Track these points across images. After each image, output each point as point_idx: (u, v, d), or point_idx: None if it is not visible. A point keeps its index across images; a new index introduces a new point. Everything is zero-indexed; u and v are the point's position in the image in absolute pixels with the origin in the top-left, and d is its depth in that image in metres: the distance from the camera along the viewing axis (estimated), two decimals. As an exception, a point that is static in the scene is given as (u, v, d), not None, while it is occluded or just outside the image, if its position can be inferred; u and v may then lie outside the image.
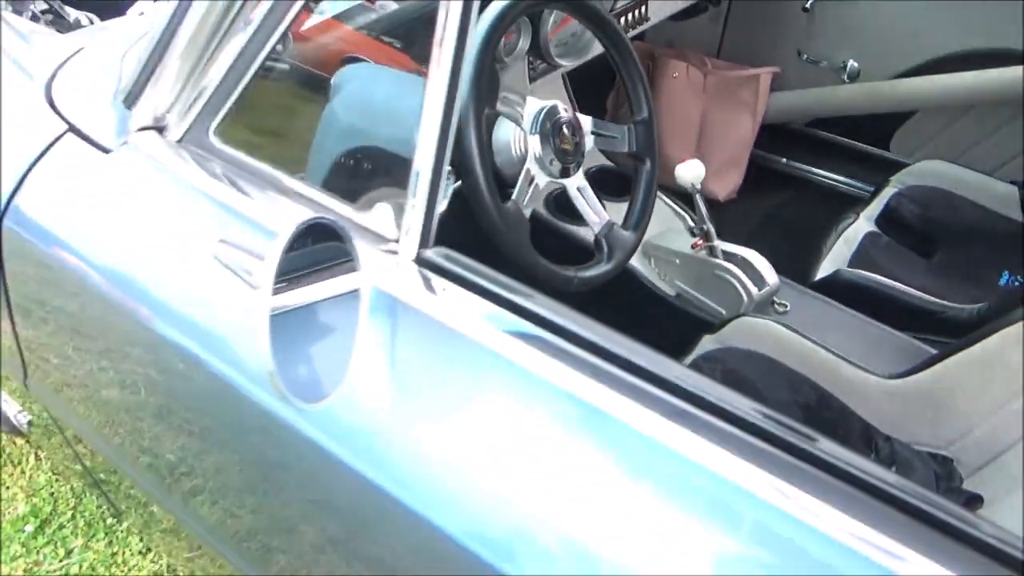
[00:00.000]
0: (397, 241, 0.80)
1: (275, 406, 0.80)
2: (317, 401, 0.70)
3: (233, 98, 0.90)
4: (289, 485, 0.87)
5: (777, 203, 2.34)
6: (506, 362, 0.71)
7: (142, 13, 1.44)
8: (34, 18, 1.62)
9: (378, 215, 0.81)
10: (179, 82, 0.93)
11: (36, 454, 2.02)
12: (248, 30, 0.85)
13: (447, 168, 0.75)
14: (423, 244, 0.78)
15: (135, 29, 1.25)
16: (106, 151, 1.01)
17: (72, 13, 1.75)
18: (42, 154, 1.06)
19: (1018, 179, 2.02)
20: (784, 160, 2.42)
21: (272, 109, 0.94)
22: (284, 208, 0.86)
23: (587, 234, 1.61)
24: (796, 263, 1.76)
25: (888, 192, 2.00)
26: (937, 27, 2.06)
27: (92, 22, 1.74)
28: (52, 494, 1.93)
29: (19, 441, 2.05)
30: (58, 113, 1.09)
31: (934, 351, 1.58)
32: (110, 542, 1.83)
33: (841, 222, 1.96)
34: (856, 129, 2.30)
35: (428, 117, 0.73)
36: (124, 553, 1.81)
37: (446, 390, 0.73)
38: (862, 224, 1.94)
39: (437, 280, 0.77)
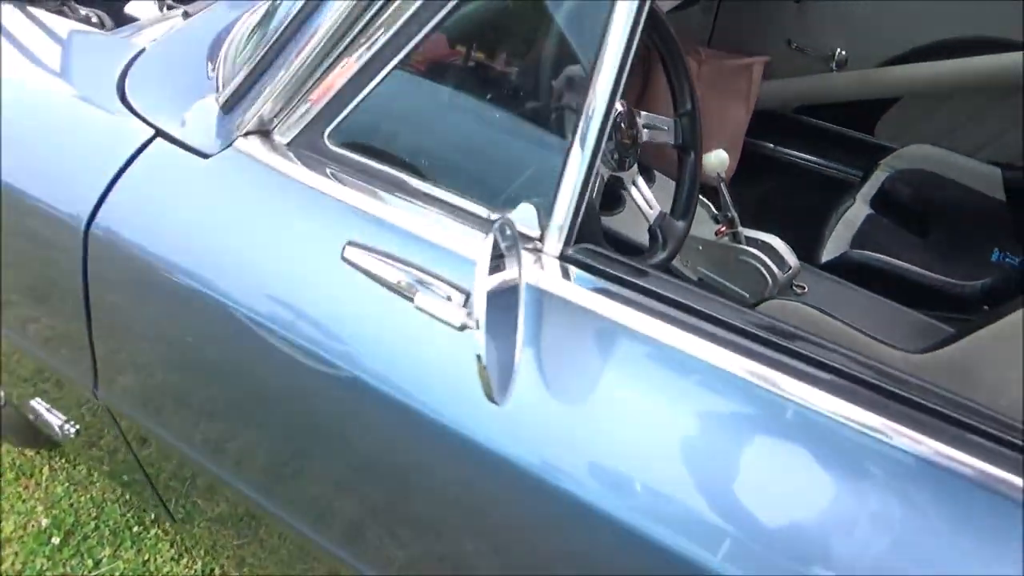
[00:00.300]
0: (540, 239, 0.84)
1: (427, 406, 0.83)
2: (504, 399, 0.73)
3: (354, 104, 0.92)
4: (441, 484, 0.89)
5: (769, 188, 2.44)
6: (667, 351, 0.77)
7: (186, 13, 1.43)
8: (60, 13, 1.58)
9: (521, 215, 0.85)
10: (292, 87, 0.94)
11: (50, 465, 1.98)
12: (381, 39, 0.88)
13: (597, 168, 0.80)
14: (567, 241, 0.82)
15: (205, 30, 1.25)
16: (204, 156, 1.02)
17: (82, 10, 1.72)
18: (130, 160, 1.06)
19: (998, 160, 2.17)
20: (772, 146, 2.52)
21: (389, 111, 0.96)
22: (420, 211, 0.89)
23: (613, 224, 1.67)
24: (795, 246, 1.85)
25: (880, 175, 2.12)
26: (922, 17, 2.18)
27: (101, 20, 1.71)
28: (72, 504, 1.90)
29: (29, 453, 2.01)
30: (141, 118, 1.09)
31: (944, 326, 1.70)
32: (139, 549, 1.82)
33: (839, 205, 2.07)
34: (841, 115, 2.42)
35: (586, 121, 0.77)
36: (155, 560, 1.80)
37: (606, 385, 0.78)
38: (861, 207, 2.05)
39: (583, 275, 0.82)
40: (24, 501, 1.90)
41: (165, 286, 1.03)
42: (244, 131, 1.00)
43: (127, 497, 1.93)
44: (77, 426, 1.44)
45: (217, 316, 0.99)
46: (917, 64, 2.22)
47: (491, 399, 0.70)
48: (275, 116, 0.98)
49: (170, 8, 1.69)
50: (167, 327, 1.08)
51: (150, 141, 1.07)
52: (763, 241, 1.73)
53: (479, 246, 0.68)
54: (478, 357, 0.67)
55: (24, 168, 1.13)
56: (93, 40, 1.32)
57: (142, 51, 1.24)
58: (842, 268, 1.86)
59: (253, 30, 1.08)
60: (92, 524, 1.87)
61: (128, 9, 1.76)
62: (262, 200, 0.97)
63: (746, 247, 1.72)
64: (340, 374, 0.91)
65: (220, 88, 1.04)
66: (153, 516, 1.89)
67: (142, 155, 1.06)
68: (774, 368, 0.74)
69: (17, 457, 2.00)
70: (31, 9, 1.45)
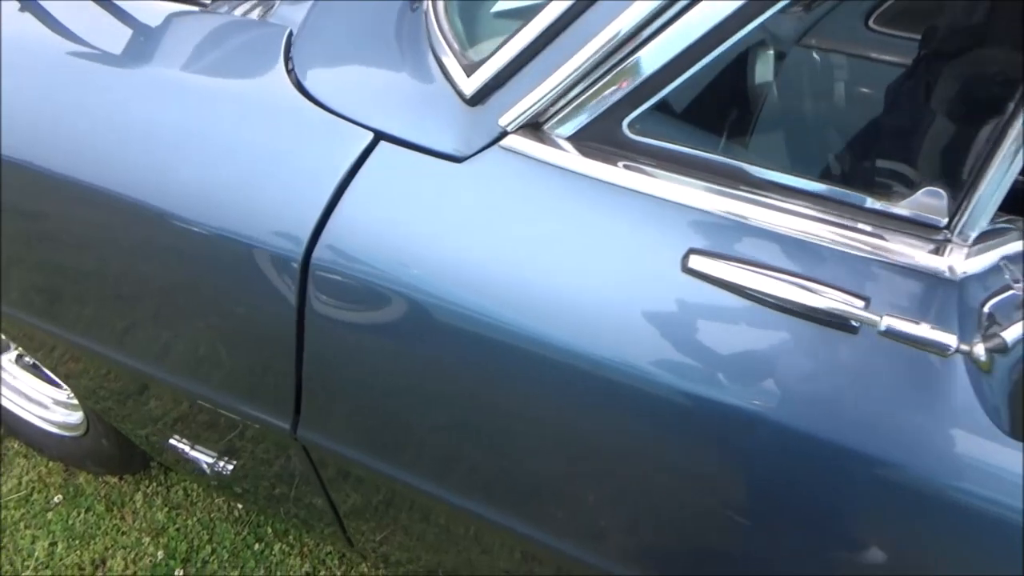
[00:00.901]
0: (948, 227, 0.70)
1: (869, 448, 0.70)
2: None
3: (669, 89, 0.75)
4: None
5: None
6: None
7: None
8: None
9: (924, 201, 0.71)
10: (580, 74, 0.76)
11: (143, 491, 1.78)
12: (712, 19, 0.70)
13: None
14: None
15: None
16: (457, 159, 0.84)
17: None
18: (351, 173, 0.86)
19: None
20: None
21: (712, 90, 0.79)
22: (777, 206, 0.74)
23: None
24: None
25: None
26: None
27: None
28: (179, 530, 1.71)
29: (112, 480, 1.80)
30: (346, 118, 0.89)
31: None
32: (267, 568, 1.66)
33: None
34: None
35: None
36: (290, 576, 1.65)
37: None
38: None
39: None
40: (125, 533, 1.70)
41: (422, 316, 0.85)
42: (512, 127, 0.81)
43: (236, 514, 1.75)
44: (235, 462, 1.26)
45: (498, 347, 0.83)
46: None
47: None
48: (551, 105, 0.80)
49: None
50: (417, 361, 0.90)
51: (372, 147, 0.87)
52: None
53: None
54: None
55: (209, 201, 0.91)
56: (204, 22, 1.08)
57: (290, 33, 1.02)
58: None
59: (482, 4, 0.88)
60: (208, 548, 1.69)
61: None
62: (555, 208, 0.80)
63: None
64: (693, 406, 0.76)
65: (457, 77, 0.85)
66: (271, 530, 1.72)
67: (366, 165, 0.87)
68: None
69: (100, 487, 1.79)
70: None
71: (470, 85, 0.82)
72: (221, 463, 1.26)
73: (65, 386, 1.69)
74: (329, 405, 1.00)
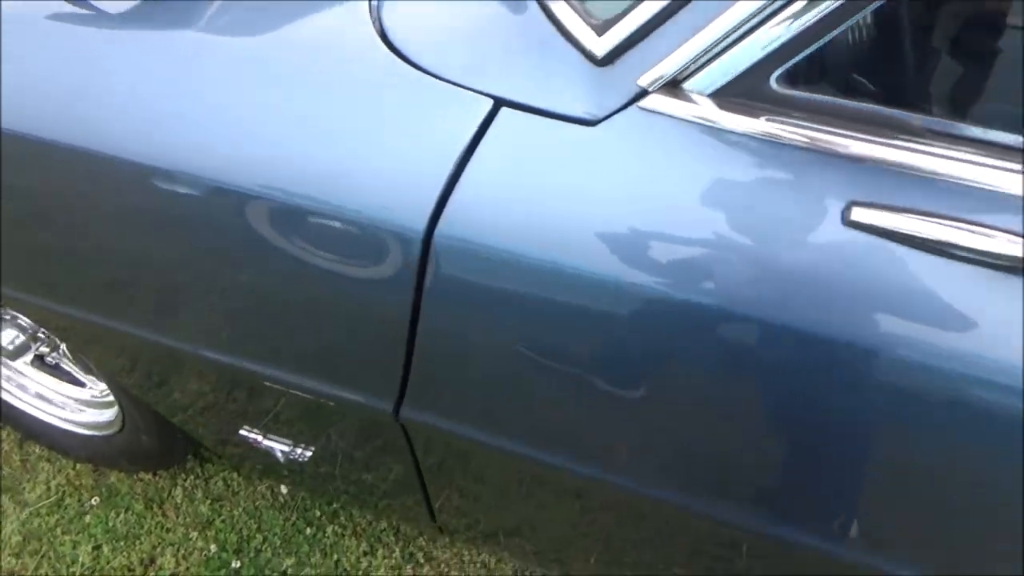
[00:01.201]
0: None
1: None
2: None
3: (823, 41, 0.72)
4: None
5: None
6: None
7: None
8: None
9: None
10: (731, 28, 0.73)
11: (181, 485, 1.72)
12: None
13: None
14: None
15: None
16: (590, 123, 0.80)
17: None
18: (473, 142, 0.82)
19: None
20: None
21: (868, 39, 0.77)
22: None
23: None
24: None
25: None
26: None
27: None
28: (225, 521, 1.66)
29: (146, 477, 1.73)
30: (463, 86, 0.84)
31: None
32: (324, 552, 1.63)
33: None
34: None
35: None
36: (348, 558, 1.62)
37: None
38: None
39: None
40: (170, 530, 1.65)
41: (560, 289, 0.82)
42: (653, 87, 0.78)
43: (281, 500, 1.71)
44: (312, 448, 1.22)
45: (641, 315, 0.81)
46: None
47: None
48: (693, 62, 0.77)
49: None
50: (549, 336, 0.87)
51: (493, 115, 0.83)
52: None
53: None
54: None
55: (320, 182, 0.86)
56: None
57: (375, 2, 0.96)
58: None
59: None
60: (259, 537, 1.65)
61: None
62: (704, 167, 0.77)
63: None
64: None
65: (582, 35, 0.81)
66: (319, 513, 1.69)
67: (488, 135, 0.82)
68: None
69: (135, 485, 1.72)
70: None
71: (602, 45, 0.79)
72: (298, 450, 1.21)
73: (90, 384, 1.61)
74: (441, 384, 0.97)
